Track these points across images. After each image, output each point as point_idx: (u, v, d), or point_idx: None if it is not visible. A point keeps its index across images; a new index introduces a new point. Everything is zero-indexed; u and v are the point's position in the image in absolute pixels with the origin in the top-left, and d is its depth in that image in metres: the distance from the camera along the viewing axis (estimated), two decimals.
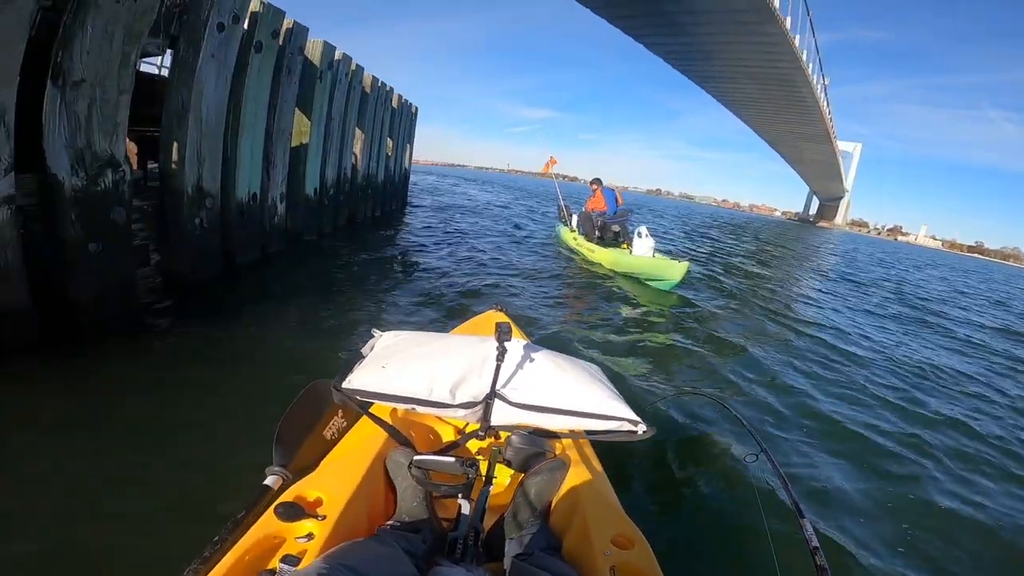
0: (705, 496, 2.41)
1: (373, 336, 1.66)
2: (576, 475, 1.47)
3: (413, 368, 1.49)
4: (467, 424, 1.66)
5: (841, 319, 7.20)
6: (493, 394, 1.49)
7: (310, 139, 5.42)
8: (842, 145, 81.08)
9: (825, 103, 52.70)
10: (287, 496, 1.16)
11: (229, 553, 0.99)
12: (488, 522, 1.37)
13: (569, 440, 1.63)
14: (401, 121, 10.17)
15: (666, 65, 46.08)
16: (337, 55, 5.95)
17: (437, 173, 40.29)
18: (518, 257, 8.09)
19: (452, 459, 1.34)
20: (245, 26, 4.10)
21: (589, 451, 1.70)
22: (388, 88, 8.77)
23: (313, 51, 5.43)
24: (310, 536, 1.07)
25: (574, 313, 5.39)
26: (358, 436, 1.51)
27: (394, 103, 9.37)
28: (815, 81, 44.83)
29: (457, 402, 1.47)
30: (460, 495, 1.36)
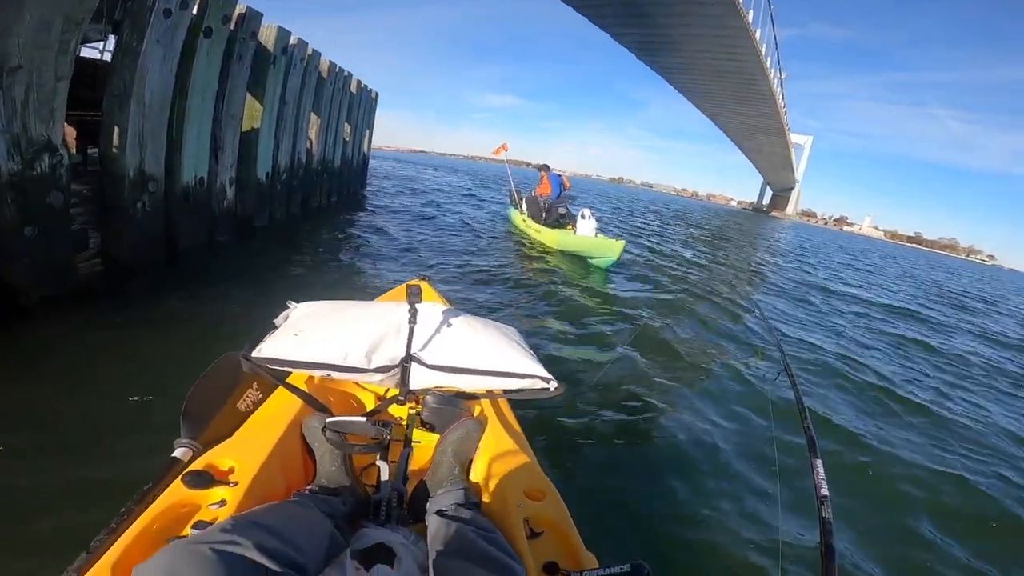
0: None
1: (288, 307, 1.64)
2: (493, 433, 1.50)
3: (327, 335, 1.48)
4: (387, 390, 1.64)
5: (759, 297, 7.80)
6: (409, 357, 1.50)
7: (262, 124, 5.38)
8: (794, 138, 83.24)
9: (781, 97, 53.94)
10: (197, 466, 1.13)
11: (136, 522, 0.96)
12: (411, 484, 1.37)
13: (487, 400, 1.64)
14: (360, 107, 10.06)
15: (631, 57, 46.41)
16: (292, 40, 5.88)
17: (400, 159, 39.88)
18: (469, 238, 8.42)
19: (365, 419, 1.34)
20: (194, 11, 4.05)
21: (506, 409, 1.71)
22: (346, 74, 8.67)
23: (267, 36, 5.37)
24: (223, 503, 1.04)
25: (515, 285, 5.71)
26: (274, 406, 1.45)
27: (353, 88, 9.27)
28: (772, 75, 45.81)
29: (373, 367, 1.46)
30: (379, 457, 1.37)
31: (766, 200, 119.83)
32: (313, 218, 7.55)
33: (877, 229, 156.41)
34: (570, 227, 8.25)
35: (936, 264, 47.37)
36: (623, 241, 7.31)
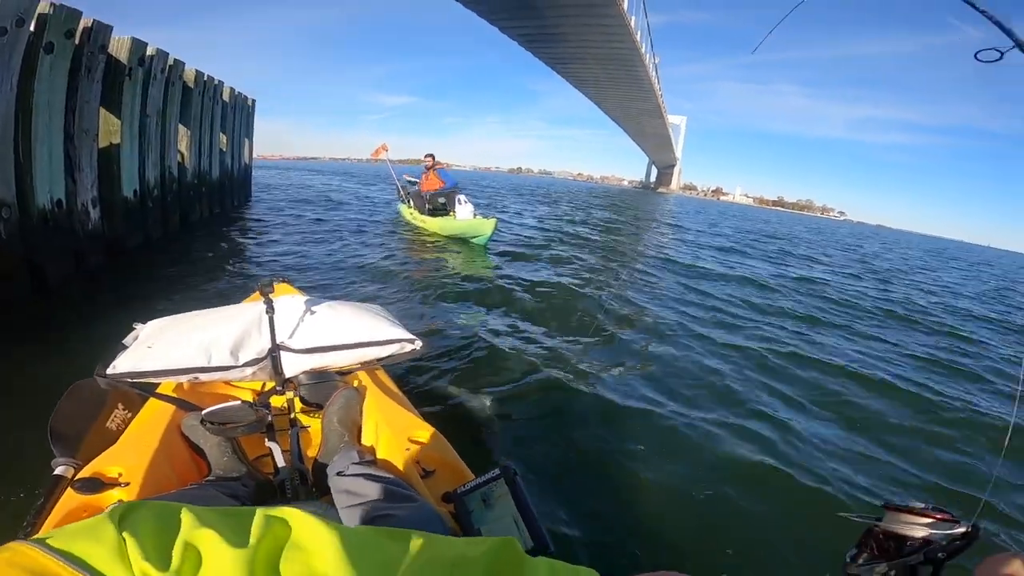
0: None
1: (135, 328, 1.55)
2: (374, 399, 1.60)
3: (184, 342, 1.43)
4: (263, 383, 1.66)
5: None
6: (276, 347, 1.50)
7: (122, 139, 5.08)
8: (671, 119, 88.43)
9: (656, 81, 56.88)
10: (83, 475, 1.10)
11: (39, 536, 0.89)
12: (310, 464, 1.42)
13: (363, 372, 1.73)
14: (236, 115, 9.60)
15: (523, 50, 47.02)
16: (150, 51, 5.56)
17: (292, 168, 38.05)
18: (357, 236, 8.70)
19: (239, 402, 1.32)
20: (31, 28, 3.79)
21: (383, 376, 1.80)
22: (217, 82, 8.26)
23: (119, 49, 5.06)
24: (120, 504, 0.93)
25: (403, 273, 6.21)
26: (147, 418, 1.40)
27: (225, 96, 8.84)
28: (648, 60, 48.26)
29: (241, 362, 1.45)
30: (268, 440, 1.38)
31: (653, 177, 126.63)
32: (194, 234, 7.20)
33: (747, 196, 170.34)
34: (452, 214, 9.10)
35: (797, 222, 52.59)
36: (494, 219, 8.50)
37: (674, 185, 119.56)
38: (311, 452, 1.50)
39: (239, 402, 1.32)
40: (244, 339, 1.49)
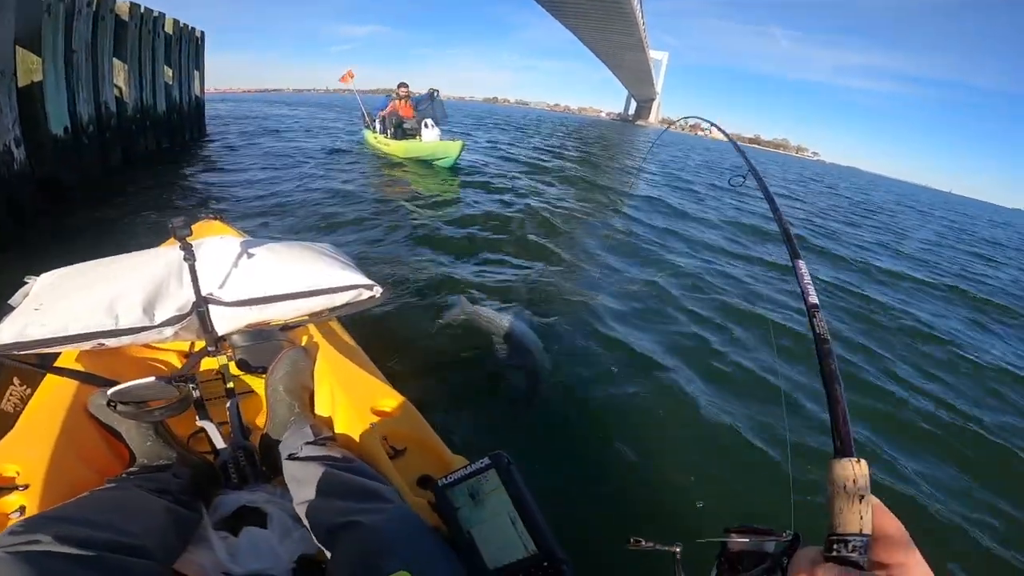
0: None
1: (25, 283, 1.25)
2: (327, 359, 1.35)
3: (83, 300, 1.16)
4: (192, 343, 1.37)
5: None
6: (203, 300, 1.22)
7: (45, 77, 4.97)
8: (653, 54, 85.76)
9: (640, 14, 54.82)
10: None
11: None
12: (257, 438, 1.23)
13: (314, 325, 1.46)
14: (181, 48, 9.21)
15: None
16: None
17: (254, 100, 36.21)
18: (315, 167, 8.46)
19: (152, 379, 1.08)
20: None
21: (338, 329, 1.54)
22: (156, 13, 7.89)
23: None
24: (22, 510, 0.88)
25: (365, 202, 6.08)
26: (47, 396, 1.16)
27: (168, 29, 8.45)
28: None
29: (159, 321, 1.18)
30: (199, 419, 1.19)
31: (631, 111, 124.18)
32: (139, 168, 7.04)
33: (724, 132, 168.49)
34: (418, 137, 9.04)
35: (771, 160, 52.16)
36: (461, 141, 8.44)
37: (652, 118, 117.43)
38: (259, 423, 1.31)
39: (152, 379, 1.08)
40: (160, 292, 1.21)
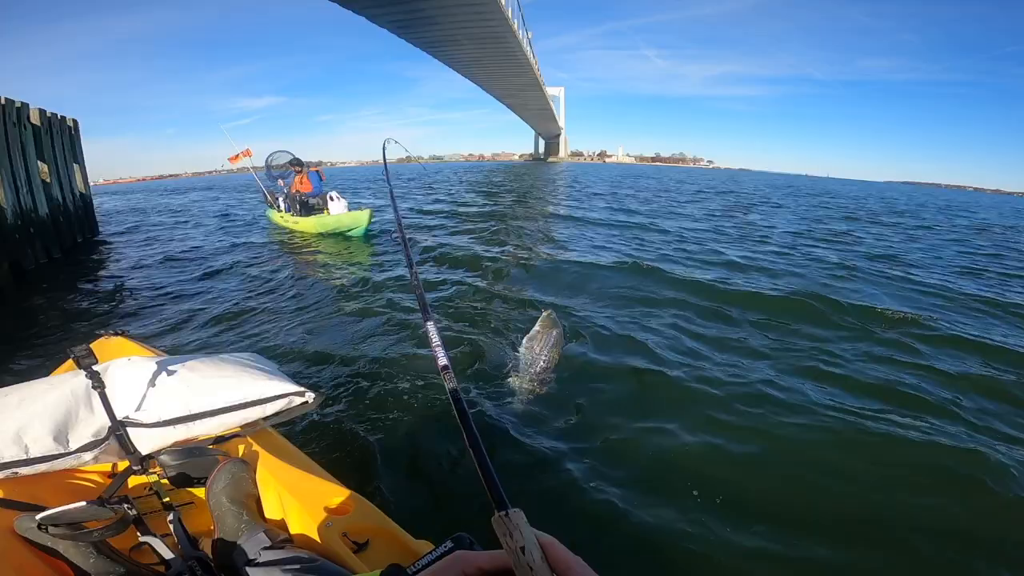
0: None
1: None
2: (269, 466, 1.32)
3: None
4: (114, 465, 1.36)
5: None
6: (119, 424, 1.19)
7: None
8: (550, 90, 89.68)
9: (532, 55, 56.98)
10: None
11: None
12: (207, 546, 1.17)
13: (249, 436, 1.43)
14: (53, 140, 7.97)
15: (395, 36, 44.85)
16: None
17: (147, 190, 34.49)
18: (222, 257, 7.75)
19: (83, 504, 1.04)
20: None
21: (273, 433, 1.52)
22: (18, 104, 6.79)
23: None
24: None
25: (282, 289, 5.61)
26: None
27: (34, 120, 7.26)
28: (521, 36, 48.14)
29: (74, 448, 1.15)
30: (142, 535, 1.13)
31: (542, 149, 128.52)
32: (31, 285, 5.89)
33: (629, 156, 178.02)
34: (327, 212, 8.56)
35: (665, 174, 55.57)
36: (369, 210, 8.35)
37: (562, 153, 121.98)
38: (206, 533, 1.24)
39: (83, 503, 1.03)
40: (70, 420, 1.16)
